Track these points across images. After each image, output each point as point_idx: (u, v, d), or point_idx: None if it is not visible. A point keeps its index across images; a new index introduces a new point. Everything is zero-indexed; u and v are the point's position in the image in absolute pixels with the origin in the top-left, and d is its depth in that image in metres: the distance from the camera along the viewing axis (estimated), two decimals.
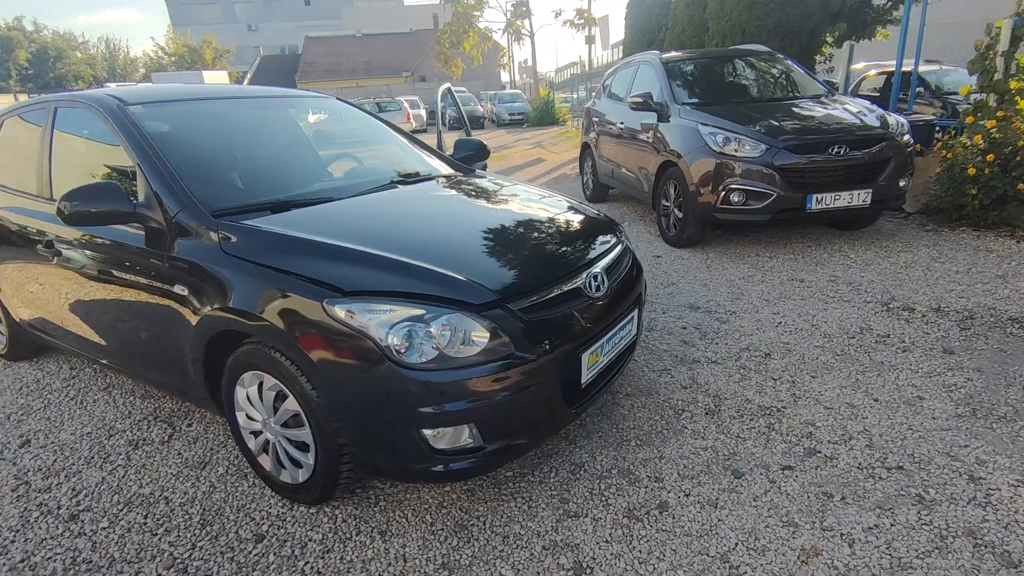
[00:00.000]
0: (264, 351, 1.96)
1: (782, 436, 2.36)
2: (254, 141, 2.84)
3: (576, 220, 2.62)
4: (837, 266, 4.37)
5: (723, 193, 4.66)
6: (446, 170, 3.20)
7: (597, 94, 7.84)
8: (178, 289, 2.14)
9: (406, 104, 22.96)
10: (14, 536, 2.11)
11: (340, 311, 1.78)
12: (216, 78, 28.12)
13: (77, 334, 2.80)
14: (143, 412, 2.94)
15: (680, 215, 5.11)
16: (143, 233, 2.25)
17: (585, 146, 7.77)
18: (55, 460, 2.58)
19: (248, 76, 41.29)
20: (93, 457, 2.58)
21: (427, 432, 1.81)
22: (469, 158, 3.64)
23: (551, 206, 2.78)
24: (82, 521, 2.17)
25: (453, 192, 2.85)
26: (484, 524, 2.00)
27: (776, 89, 5.79)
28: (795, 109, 5.10)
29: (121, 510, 2.22)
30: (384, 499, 2.15)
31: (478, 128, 24.25)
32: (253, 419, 2.16)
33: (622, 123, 6.27)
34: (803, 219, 4.60)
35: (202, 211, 2.15)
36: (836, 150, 4.40)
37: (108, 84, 28.33)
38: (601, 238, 2.50)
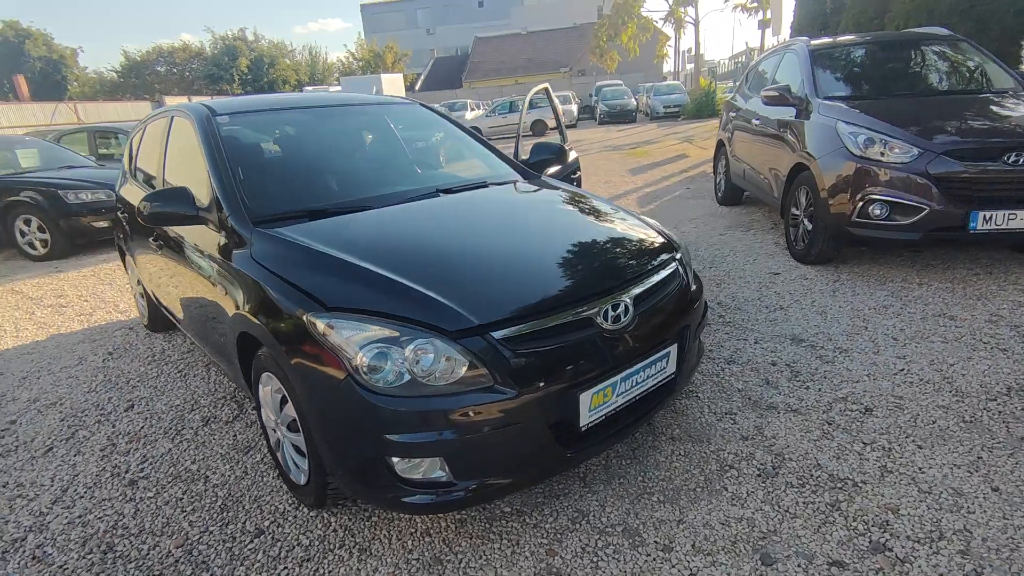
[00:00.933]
0: (270, 355, 2.01)
1: (846, 520, 1.90)
2: (318, 149, 2.97)
3: (616, 239, 2.36)
4: (1005, 303, 3.46)
5: (860, 204, 3.93)
6: (507, 177, 3.07)
7: (739, 86, 7.13)
8: (222, 287, 2.30)
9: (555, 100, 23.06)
10: (84, 492, 2.44)
11: (320, 324, 1.76)
12: (392, 80, 30.67)
13: (175, 313, 3.18)
14: (226, 391, 3.25)
15: (810, 227, 4.43)
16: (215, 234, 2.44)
17: (720, 144, 7.11)
18: (142, 427, 2.94)
19: (422, 78, 44.46)
20: (171, 429, 2.90)
21: (395, 460, 1.73)
22: (542, 163, 3.47)
23: (599, 221, 2.53)
24: (137, 488, 2.44)
25: (493, 202, 2.71)
26: (460, 563, 1.87)
27: (951, 81, 4.76)
28: (970, 106, 4.14)
29: (169, 483, 2.45)
30: (377, 513, 2.12)
31: (629, 123, 23.58)
32: (270, 416, 2.25)
33: (757, 119, 5.61)
34: (966, 240, 3.71)
35: (245, 218, 2.28)
36: (1014, 158, 3.47)
37: (306, 88, 32.34)
38: (640, 261, 2.21)
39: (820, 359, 3.02)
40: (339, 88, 30.19)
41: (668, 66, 38.90)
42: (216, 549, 2.05)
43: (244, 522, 2.17)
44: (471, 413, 1.68)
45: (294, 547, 2.01)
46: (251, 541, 2.06)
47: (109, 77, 42.79)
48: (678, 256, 2.36)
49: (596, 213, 2.63)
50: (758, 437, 2.40)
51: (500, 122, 22.65)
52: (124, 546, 2.10)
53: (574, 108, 25.67)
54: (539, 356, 1.77)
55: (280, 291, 1.93)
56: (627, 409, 2.03)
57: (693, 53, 30.41)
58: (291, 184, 2.65)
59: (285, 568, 1.92)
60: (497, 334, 1.73)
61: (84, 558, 2.06)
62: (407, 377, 1.67)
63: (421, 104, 3.59)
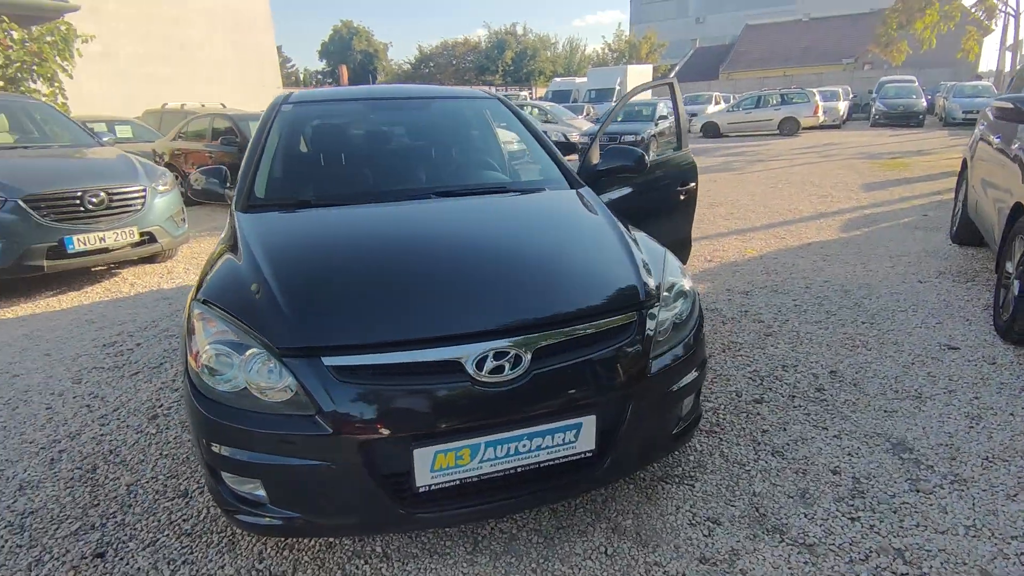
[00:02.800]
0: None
1: None
2: (350, 141, 3.02)
3: (566, 276, 1.96)
4: None
5: None
6: (539, 184, 2.76)
7: (1009, 89, 5.32)
8: None
9: (816, 96, 20.02)
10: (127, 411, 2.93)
11: (193, 312, 1.79)
12: (640, 71, 30.13)
13: None
14: None
15: (1017, 292, 3.12)
16: None
17: (963, 165, 5.42)
18: None
19: (676, 68, 42.86)
20: None
21: (224, 474, 1.69)
22: (612, 171, 3.04)
23: (570, 250, 2.13)
24: (159, 423, 2.84)
25: (475, 212, 2.45)
26: None
27: None
28: None
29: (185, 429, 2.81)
30: None
31: (912, 127, 19.43)
32: None
33: (998, 135, 4.12)
34: None
35: (242, 201, 2.45)
36: None
37: (555, 79, 33.73)
38: (570, 308, 1.79)
39: (912, 483, 2.12)
40: (584, 80, 30.76)
41: (990, 63, 30.94)
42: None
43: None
44: (286, 441, 1.56)
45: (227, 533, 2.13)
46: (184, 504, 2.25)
47: (404, 69, 50.41)
48: (642, 312, 1.84)
49: (579, 240, 2.21)
50: (723, 565, 1.79)
51: (742, 118, 20.57)
52: None
53: (841, 105, 22.12)
54: (374, 395, 1.56)
55: (201, 276, 2.02)
56: (506, 481, 1.68)
57: (1012, 48, 23.66)
58: (301, 173, 2.76)
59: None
60: (328, 360, 1.57)
61: None
62: (242, 386, 1.61)
63: (500, 100, 3.41)
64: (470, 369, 1.58)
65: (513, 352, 1.62)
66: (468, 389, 1.58)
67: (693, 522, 1.98)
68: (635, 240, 2.21)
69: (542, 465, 1.70)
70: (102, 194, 4.80)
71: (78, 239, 4.66)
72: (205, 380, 1.65)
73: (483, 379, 1.58)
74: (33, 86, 8.51)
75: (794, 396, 2.79)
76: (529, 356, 1.63)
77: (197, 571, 1.83)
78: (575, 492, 1.93)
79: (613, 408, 1.76)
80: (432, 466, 1.58)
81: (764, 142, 17.41)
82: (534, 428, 1.65)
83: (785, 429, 2.51)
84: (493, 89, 33.46)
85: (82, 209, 4.72)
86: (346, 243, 2.16)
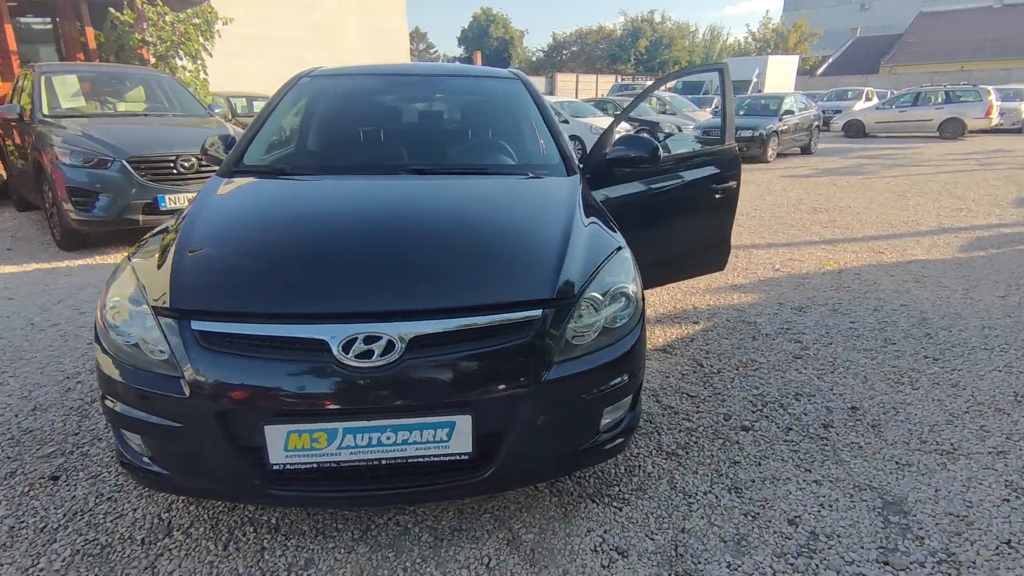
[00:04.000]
0: None
1: None
2: (356, 114, 3.02)
3: (480, 263, 1.84)
4: None
5: None
6: (530, 169, 2.61)
7: None
8: None
9: (992, 94, 17.15)
10: None
11: (116, 269, 1.89)
12: (782, 62, 27.74)
13: None
14: None
15: None
16: None
17: None
18: None
19: (829, 60, 38.99)
20: None
21: (123, 430, 1.75)
22: (620, 162, 2.79)
23: (507, 238, 2.00)
24: None
25: (436, 190, 2.36)
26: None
27: None
28: None
29: None
30: None
31: None
32: None
33: None
34: None
35: (225, 166, 2.57)
36: None
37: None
38: (462, 297, 1.67)
39: (884, 553, 1.75)
40: None
41: None
42: None
43: None
44: (155, 400, 1.59)
45: None
46: None
47: (535, 57, 50.63)
48: (547, 312, 1.67)
49: (515, 230, 2.06)
50: None
51: (894, 117, 18.21)
52: None
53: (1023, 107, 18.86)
54: (232, 365, 1.55)
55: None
56: (363, 472, 1.61)
57: None
58: (294, 142, 2.83)
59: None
60: (195, 324, 1.59)
61: None
62: (135, 341, 1.67)
63: (523, 82, 3.25)
64: (335, 351, 1.53)
65: (387, 338, 1.54)
66: (331, 371, 1.53)
67: (598, 549, 1.79)
68: (588, 235, 2.01)
69: (411, 461, 1.61)
70: (193, 159, 5.32)
71: (169, 198, 5.21)
72: (106, 333, 1.72)
73: (348, 362, 1.52)
74: (180, 63, 9.64)
75: (791, 429, 2.42)
76: (403, 344, 1.55)
77: (114, 508, 1.97)
78: (452, 496, 1.83)
79: (496, 411, 1.63)
80: (285, 445, 1.55)
81: (915, 145, 15.35)
82: (401, 420, 1.57)
83: (760, 464, 2.19)
84: (619, 79, 32.63)
85: (174, 172, 5.27)
86: (278, 213, 2.17)
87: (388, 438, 1.58)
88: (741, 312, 3.77)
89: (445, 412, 1.58)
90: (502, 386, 1.61)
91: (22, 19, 9.68)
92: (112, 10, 8.74)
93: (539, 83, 29.99)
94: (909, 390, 2.74)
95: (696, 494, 2.03)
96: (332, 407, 1.55)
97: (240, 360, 1.55)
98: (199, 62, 9.85)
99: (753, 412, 2.56)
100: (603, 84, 30.17)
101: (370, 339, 1.54)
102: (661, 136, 11.88)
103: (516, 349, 1.62)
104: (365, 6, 19.33)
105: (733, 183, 3.32)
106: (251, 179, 2.45)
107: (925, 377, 2.85)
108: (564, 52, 48.81)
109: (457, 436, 1.60)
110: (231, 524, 1.89)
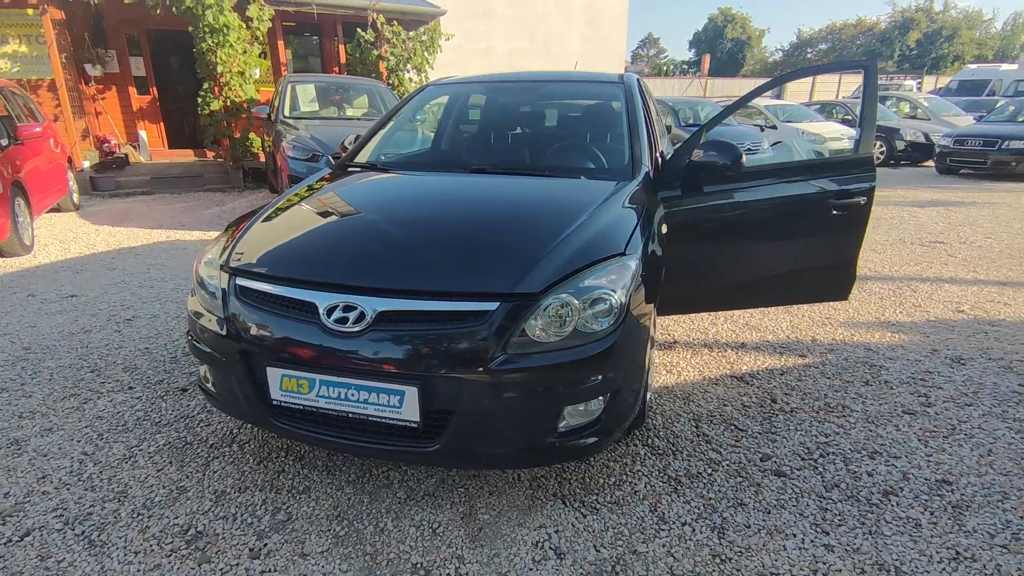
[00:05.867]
0: None
1: None
2: (466, 118, 3.30)
3: (479, 254, 1.99)
4: None
5: None
6: (596, 175, 2.65)
7: None
8: None
9: None
10: None
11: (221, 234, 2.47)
12: None
13: None
14: None
15: None
16: None
17: None
18: None
19: None
20: None
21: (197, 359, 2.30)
22: (701, 168, 2.65)
23: (499, 233, 2.13)
24: None
25: (490, 190, 2.54)
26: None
27: None
28: None
29: None
30: None
31: None
32: None
33: None
34: None
35: (339, 163, 3.09)
36: None
37: (968, 65, 26.52)
38: (436, 282, 1.84)
39: None
40: (1016, 67, 23.41)
41: None
42: None
43: None
44: (210, 335, 2.05)
45: None
46: None
47: (773, 58, 46.48)
48: (507, 305, 1.75)
49: (521, 226, 2.15)
50: None
51: None
52: None
53: None
54: (253, 314, 1.94)
55: None
56: (339, 421, 1.88)
57: None
58: (404, 143, 3.21)
59: None
60: (238, 280, 2.02)
61: None
62: (212, 290, 2.16)
63: (625, 86, 3.19)
64: (321, 313, 1.83)
65: (360, 309, 1.80)
66: (315, 330, 1.84)
67: (539, 544, 1.82)
68: (590, 238, 2.02)
69: (372, 419, 1.84)
70: None
71: None
72: (196, 283, 2.26)
73: (328, 325, 1.82)
74: (407, 75, 11.17)
75: (836, 487, 2.08)
76: (372, 316, 1.79)
77: (208, 419, 2.56)
78: (404, 460, 1.99)
79: (444, 389, 1.77)
80: (280, 386, 1.90)
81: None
82: (363, 382, 1.81)
83: (769, 513, 1.95)
84: (882, 78, 28.20)
85: None
86: (331, 203, 2.53)
87: (353, 395, 1.83)
88: (871, 353, 3.22)
89: (398, 381, 1.78)
90: (449, 367, 1.75)
91: (298, 37, 12.15)
92: (359, 30, 10.51)
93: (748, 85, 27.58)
94: None
95: (672, 523, 1.91)
96: (312, 359, 1.86)
97: (258, 311, 1.95)
98: (423, 74, 11.28)
99: (802, 459, 2.25)
100: (849, 84, 26.54)
101: (349, 308, 1.81)
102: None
103: (467, 335, 1.75)
104: (590, 21, 19.95)
105: (860, 199, 2.86)
106: (343, 173, 2.92)
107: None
108: (809, 50, 43.93)
109: (407, 405, 1.78)
110: (275, 448, 2.33)
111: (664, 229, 2.64)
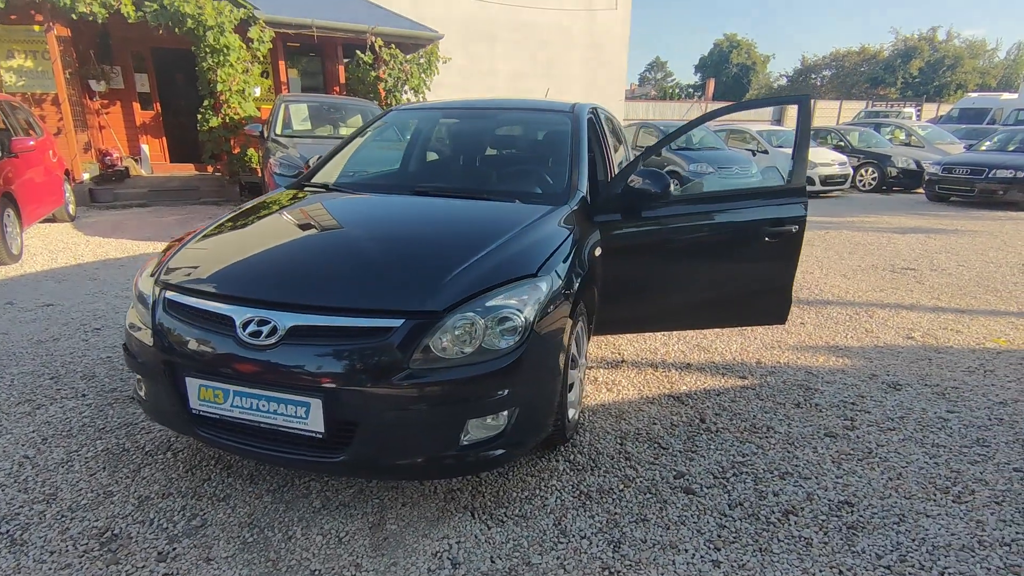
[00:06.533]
0: None
1: None
2: (417, 142, 3.43)
3: (390, 269, 2.10)
4: None
5: None
6: (528, 200, 2.75)
7: None
8: None
9: None
10: None
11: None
12: None
13: None
14: None
15: None
16: None
17: None
18: None
19: None
20: None
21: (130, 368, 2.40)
22: (626, 197, 2.76)
23: (415, 254, 2.23)
24: None
25: (418, 210, 2.67)
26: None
27: None
28: None
29: None
30: None
31: None
32: None
33: None
34: None
35: (296, 181, 3.22)
36: None
37: (969, 94, 26.67)
38: (343, 299, 1.93)
39: None
40: (1016, 96, 23.53)
41: None
42: None
43: None
44: (136, 347, 2.15)
45: None
46: None
47: (778, 83, 46.87)
48: (410, 322, 1.85)
49: (440, 247, 2.26)
50: None
51: None
52: None
53: None
54: (174, 326, 2.03)
55: None
56: (253, 431, 1.97)
57: None
58: (356, 164, 3.34)
59: None
60: (166, 294, 2.12)
61: None
62: (148, 303, 2.27)
63: (575, 116, 3.31)
64: (238, 327, 1.93)
65: (273, 323, 1.90)
66: (230, 342, 1.93)
67: (438, 555, 1.89)
68: (504, 260, 2.12)
69: (281, 429, 1.93)
70: None
71: None
72: (136, 294, 2.36)
73: (243, 338, 1.91)
74: (404, 96, 11.43)
75: (740, 505, 2.14)
76: (283, 330, 1.88)
77: (151, 426, 2.65)
78: (313, 469, 2.06)
79: (348, 401, 1.86)
80: (199, 396, 2.00)
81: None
82: (273, 393, 1.90)
83: (667, 529, 2.01)
84: (871, 105, 28.52)
85: None
86: (281, 220, 2.65)
87: (263, 406, 1.92)
88: (810, 376, 3.28)
89: (304, 393, 1.87)
90: (353, 380, 1.84)
91: (305, 57, 12.46)
92: (358, 52, 10.79)
93: (766, 110, 27.79)
94: (949, 503, 2.17)
95: (572, 536, 1.97)
96: (227, 371, 1.95)
97: (182, 324, 2.05)
98: (420, 95, 11.53)
99: (714, 478, 2.31)
100: (850, 110, 26.74)
101: (263, 322, 1.91)
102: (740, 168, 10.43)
103: (372, 350, 1.85)
104: (591, 45, 20.30)
105: (792, 227, 2.95)
106: (297, 192, 3.04)
107: (988, 493, 2.22)
108: (814, 76, 44.30)
109: (312, 416, 1.87)
110: (206, 456, 2.42)
111: (598, 252, 2.74)
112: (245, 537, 1.96)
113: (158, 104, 11.16)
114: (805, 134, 2.99)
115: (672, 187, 2.79)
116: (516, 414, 1.99)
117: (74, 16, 8.31)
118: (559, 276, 2.22)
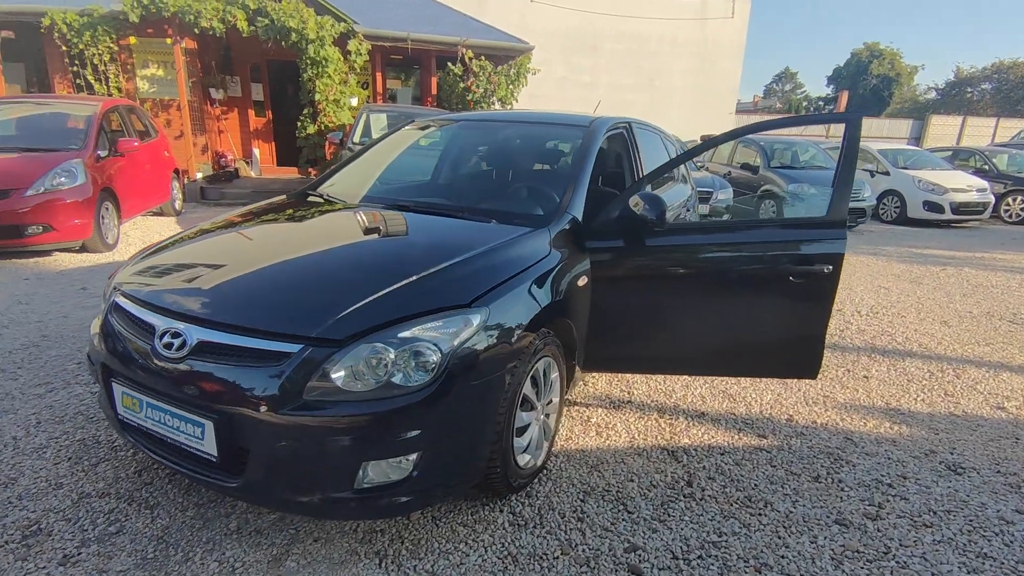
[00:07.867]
0: None
1: None
2: (422, 154, 3.31)
3: (298, 292, 1.96)
4: None
5: None
6: (505, 217, 2.54)
7: None
8: None
9: None
10: None
11: None
12: None
13: None
14: None
15: None
16: None
17: None
18: None
19: None
20: None
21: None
22: (622, 220, 2.48)
23: (351, 276, 2.07)
24: None
25: (389, 230, 2.52)
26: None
27: None
28: None
29: None
30: None
31: None
32: None
33: None
34: None
35: (301, 189, 3.22)
36: None
37: None
38: (262, 320, 1.83)
39: None
40: None
41: None
42: None
43: None
44: (92, 348, 2.21)
45: None
46: None
47: (926, 96, 42.00)
48: (309, 348, 1.72)
49: (383, 271, 2.06)
50: None
51: None
52: None
53: None
54: (114, 330, 2.05)
55: None
56: (165, 445, 1.93)
57: None
58: (357, 176, 3.26)
59: None
60: (116, 298, 2.15)
61: None
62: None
63: (590, 131, 3.02)
64: (156, 336, 1.90)
65: (184, 337, 1.85)
66: (148, 352, 1.91)
67: None
68: (437, 286, 1.94)
69: (184, 447, 1.87)
70: None
71: None
72: (104, 299, 2.44)
73: (158, 348, 1.88)
74: (494, 106, 11.51)
75: (686, 558, 1.78)
76: (191, 345, 1.83)
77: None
78: (217, 491, 1.96)
79: (239, 426, 1.76)
80: (121, 402, 2.00)
81: None
82: (176, 409, 1.85)
83: (590, 566, 1.71)
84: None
85: None
86: (235, 232, 2.58)
87: (169, 421, 1.88)
88: (847, 444, 2.75)
89: (200, 413, 1.80)
90: (244, 404, 1.74)
91: (406, 68, 12.97)
92: (449, 63, 11.03)
93: (903, 126, 25.00)
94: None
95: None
96: (141, 380, 1.93)
97: (119, 328, 2.06)
98: (507, 105, 11.56)
99: (672, 559, 1.95)
100: (1009, 129, 23.39)
101: (176, 335, 1.87)
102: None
103: (266, 374, 1.74)
104: (700, 55, 19.39)
105: (824, 267, 2.48)
106: (297, 199, 3.03)
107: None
108: (970, 90, 39.22)
109: (207, 438, 1.80)
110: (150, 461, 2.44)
111: (582, 281, 2.47)
112: (147, 552, 1.92)
113: (270, 111, 12.10)
114: (851, 158, 2.52)
115: (668, 213, 2.44)
116: (426, 458, 1.80)
117: (196, 30, 9.21)
118: (509, 307, 2.00)
